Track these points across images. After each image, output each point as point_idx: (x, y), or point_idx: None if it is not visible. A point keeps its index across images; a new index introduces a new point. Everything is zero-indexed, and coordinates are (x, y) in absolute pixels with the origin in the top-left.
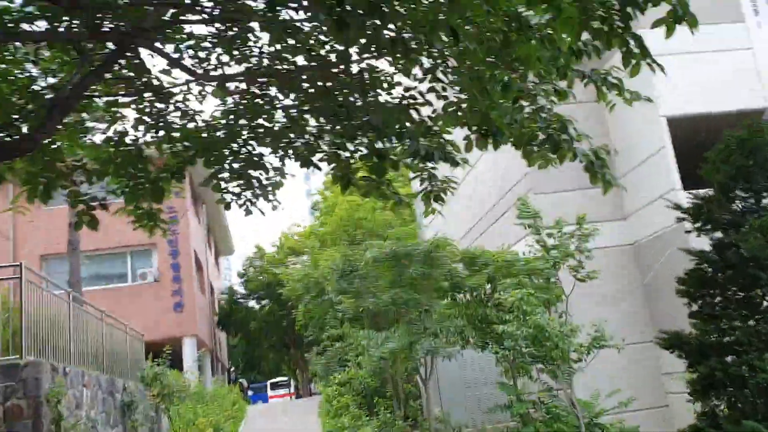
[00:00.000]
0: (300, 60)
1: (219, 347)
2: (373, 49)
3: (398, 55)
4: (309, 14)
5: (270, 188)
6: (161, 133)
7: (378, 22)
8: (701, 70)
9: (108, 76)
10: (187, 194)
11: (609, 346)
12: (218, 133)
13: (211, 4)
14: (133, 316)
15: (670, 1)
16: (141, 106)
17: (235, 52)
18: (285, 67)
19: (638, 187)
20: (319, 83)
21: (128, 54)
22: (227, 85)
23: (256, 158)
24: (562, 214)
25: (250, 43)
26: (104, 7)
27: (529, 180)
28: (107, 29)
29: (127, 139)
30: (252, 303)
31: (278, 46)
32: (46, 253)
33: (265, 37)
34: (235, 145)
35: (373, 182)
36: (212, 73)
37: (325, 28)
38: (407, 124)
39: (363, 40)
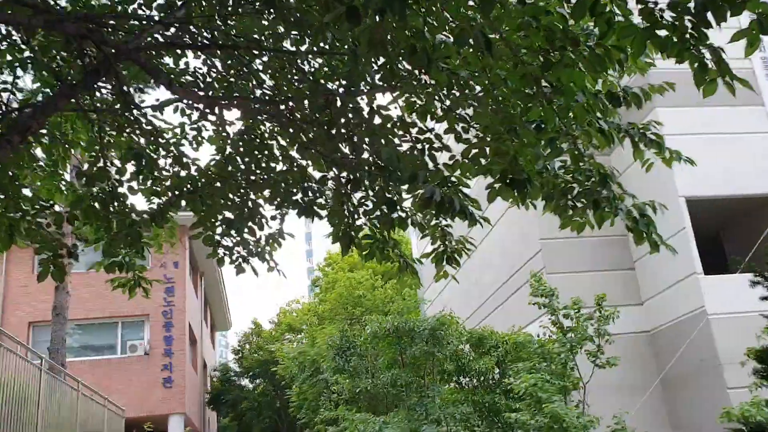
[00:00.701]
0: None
1: (208, 428)
2: (385, 77)
3: (416, 82)
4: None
5: (266, 246)
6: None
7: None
8: (722, 152)
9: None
10: (185, 264)
11: None
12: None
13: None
14: (119, 389)
15: (753, 10)
16: (127, 148)
17: (232, 80)
18: (285, 102)
19: (656, 270)
20: (324, 118)
21: (110, 75)
22: (224, 119)
23: (251, 207)
24: (576, 296)
25: (250, 73)
26: (86, 20)
27: (542, 258)
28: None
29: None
30: (245, 381)
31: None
32: (36, 320)
33: (264, 66)
34: (229, 194)
35: (376, 242)
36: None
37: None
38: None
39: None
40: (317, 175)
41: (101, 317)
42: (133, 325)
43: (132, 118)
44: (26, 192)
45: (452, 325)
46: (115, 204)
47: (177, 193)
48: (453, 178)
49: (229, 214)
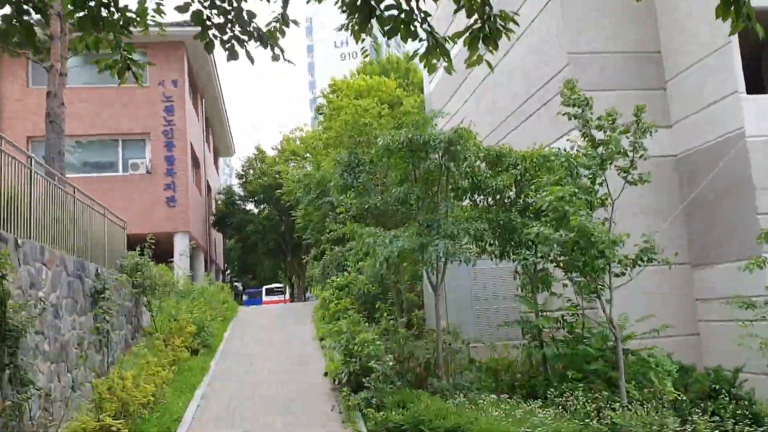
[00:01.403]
0: None
1: (214, 248)
2: None
3: None
4: None
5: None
6: None
7: None
8: None
9: None
10: (184, 84)
11: (658, 261)
12: None
13: None
14: (122, 207)
15: None
16: None
17: None
18: None
19: (691, 90)
20: None
21: None
22: None
23: None
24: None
25: None
26: None
27: (569, 73)
28: None
29: None
30: (250, 206)
31: None
32: (34, 134)
33: None
34: None
35: (401, 15)
36: None
37: None
38: None
39: None
40: None
41: (101, 134)
42: (134, 144)
43: None
44: None
45: (470, 139)
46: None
47: None
48: None
49: None
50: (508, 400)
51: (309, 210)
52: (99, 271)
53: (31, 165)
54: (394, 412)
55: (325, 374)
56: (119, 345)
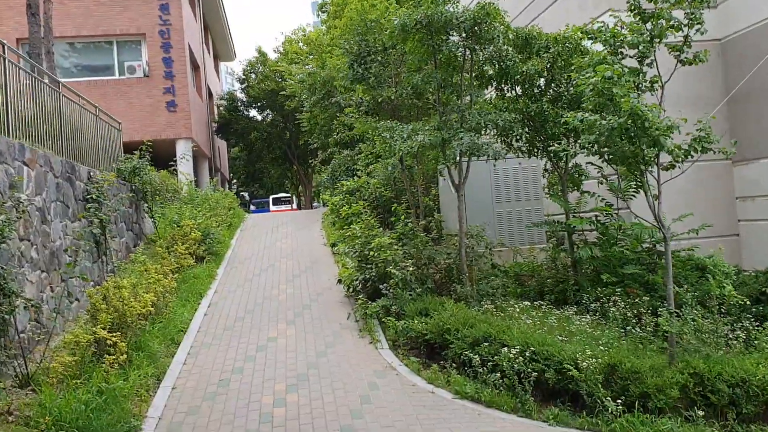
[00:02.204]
0: None
1: (218, 157)
2: None
3: None
4: None
5: None
6: None
7: None
8: None
9: None
10: None
11: (714, 151)
12: None
13: None
14: (120, 113)
15: None
16: None
17: None
18: None
19: None
20: None
21: None
22: None
23: None
24: None
25: None
26: None
27: None
28: None
29: None
30: (254, 113)
31: None
32: (24, 36)
33: None
34: None
35: None
36: None
37: None
38: None
39: None
40: None
41: (94, 35)
42: (129, 46)
43: None
44: None
45: (497, 17)
46: None
47: None
48: None
49: None
50: (539, 306)
51: (315, 112)
52: (92, 173)
53: (3, 53)
54: (416, 321)
55: (339, 281)
56: (119, 253)
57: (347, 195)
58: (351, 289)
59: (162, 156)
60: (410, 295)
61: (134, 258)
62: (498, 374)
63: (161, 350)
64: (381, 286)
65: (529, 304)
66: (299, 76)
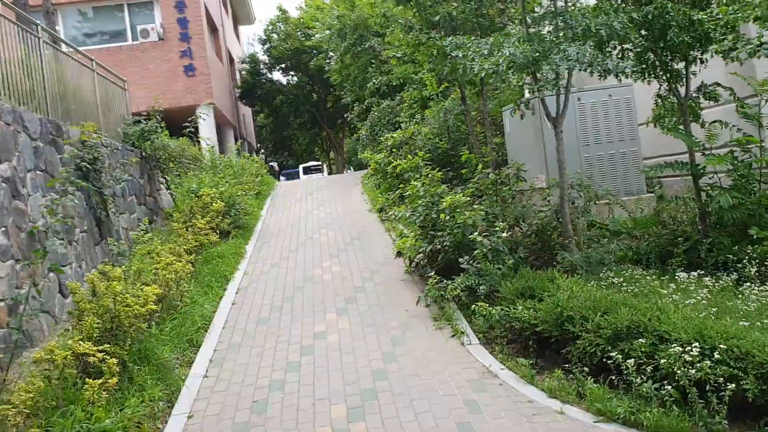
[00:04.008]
0: None
1: (243, 124)
2: None
3: None
4: None
5: None
6: None
7: None
8: None
9: None
10: None
11: None
12: None
13: None
14: (136, 81)
15: None
16: None
17: None
18: None
19: None
20: None
21: None
22: None
23: None
24: None
25: None
26: None
27: None
28: None
29: None
30: (277, 76)
31: None
32: None
33: None
34: None
35: None
36: None
37: None
38: None
39: None
40: None
41: None
42: (141, 8)
43: None
44: None
45: None
46: None
47: None
48: None
49: None
50: (680, 275)
51: (346, 61)
52: (87, 136)
53: None
54: (520, 306)
55: (398, 254)
56: (131, 232)
57: (393, 150)
58: (414, 264)
59: (182, 125)
60: (499, 269)
61: (134, 238)
62: (658, 385)
63: (174, 358)
64: (460, 259)
65: (654, 271)
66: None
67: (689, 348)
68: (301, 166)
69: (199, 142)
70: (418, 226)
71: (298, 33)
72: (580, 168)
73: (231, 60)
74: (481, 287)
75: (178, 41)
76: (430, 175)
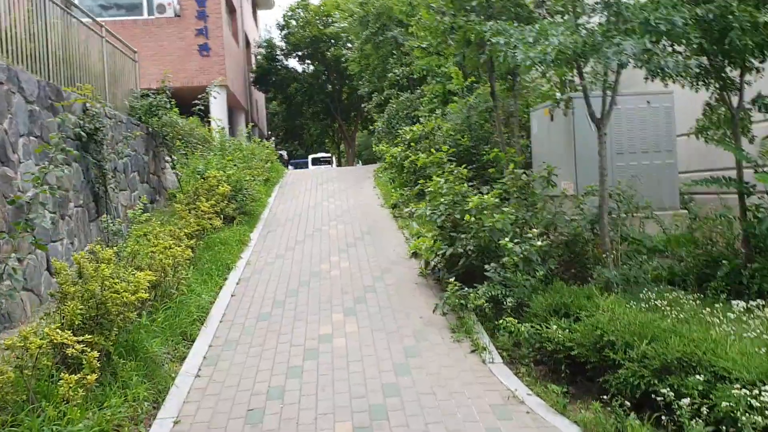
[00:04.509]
0: None
1: (256, 110)
2: None
3: None
4: None
5: None
6: None
7: None
8: None
9: None
10: None
11: None
12: None
13: None
14: (150, 57)
15: None
16: None
17: None
18: None
19: None
20: None
21: None
22: None
23: None
24: None
25: None
26: None
27: None
28: None
29: None
30: (294, 63)
31: None
32: None
33: None
34: None
35: None
36: None
37: None
38: None
39: None
40: None
41: None
42: None
43: None
44: None
45: None
46: None
47: None
48: None
49: None
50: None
51: (366, 50)
52: (88, 105)
53: None
54: (554, 325)
55: (414, 254)
56: (129, 210)
57: (412, 144)
58: (431, 267)
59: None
60: (528, 280)
61: (133, 216)
62: (713, 429)
63: (165, 353)
64: (486, 266)
65: (697, 296)
66: (350, 8)
67: (756, 391)
68: (310, 157)
69: (209, 122)
70: (437, 226)
71: (318, 21)
72: (612, 177)
73: (247, 44)
74: (508, 299)
75: (195, 19)
76: (455, 172)
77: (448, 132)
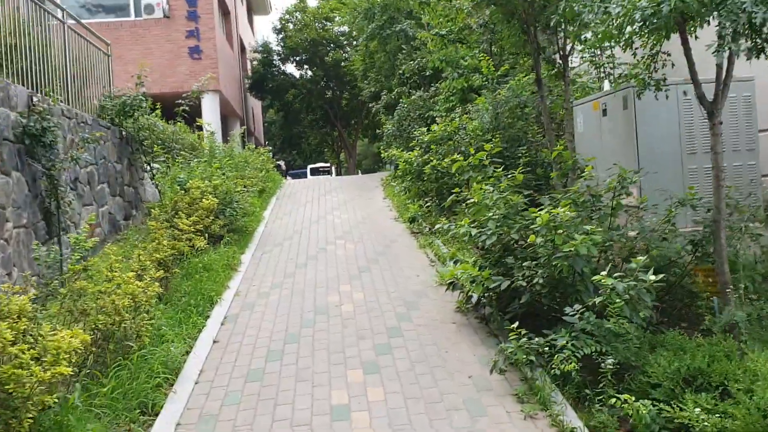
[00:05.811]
0: None
1: (252, 118)
2: None
3: None
4: None
5: None
6: None
7: None
8: None
9: None
10: None
11: None
12: None
13: None
14: (137, 60)
15: None
16: None
17: None
18: None
19: None
20: None
21: None
22: None
23: None
24: None
25: None
26: None
27: None
28: None
29: None
30: (291, 69)
31: None
32: None
33: None
34: None
35: None
36: None
37: None
38: None
39: None
40: None
41: None
42: None
43: None
44: None
45: None
46: None
47: None
48: None
49: None
50: None
51: (371, 47)
52: (37, 100)
53: None
54: (692, 405)
55: (451, 285)
56: (98, 229)
57: (432, 147)
58: (472, 302)
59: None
60: (635, 330)
61: (74, 242)
62: None
63: None
64: (567, 309)
65: None
66: (354, 2)
67: None
68: (309, 167)
69: (199, 128)
70: (480, 248)
71: (316, 24)
72: (682, 182)
73: (242, 49)
74: (608, 360)
75: (185, 20)
76: (509, 175)
77: (475, 131)
